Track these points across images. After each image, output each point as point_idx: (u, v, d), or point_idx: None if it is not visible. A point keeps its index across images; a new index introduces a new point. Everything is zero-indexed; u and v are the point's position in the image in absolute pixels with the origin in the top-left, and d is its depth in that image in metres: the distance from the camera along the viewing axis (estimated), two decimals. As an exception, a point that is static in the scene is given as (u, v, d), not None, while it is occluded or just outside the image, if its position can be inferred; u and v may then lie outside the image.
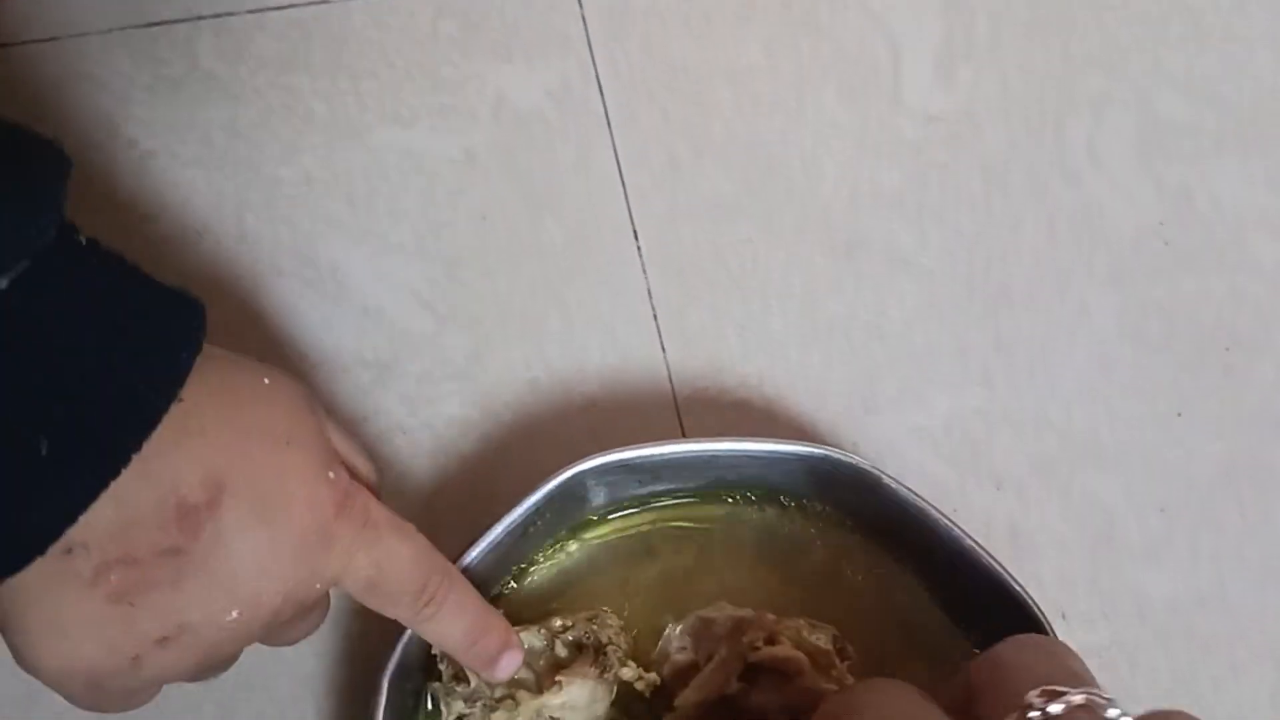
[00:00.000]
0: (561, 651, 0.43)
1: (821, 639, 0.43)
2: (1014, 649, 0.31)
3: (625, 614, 0.45)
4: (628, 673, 0.43)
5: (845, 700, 0.31)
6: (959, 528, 0.44)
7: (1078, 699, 0.28)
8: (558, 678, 0.42)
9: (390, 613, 0.39)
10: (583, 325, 0.51)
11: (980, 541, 0.44)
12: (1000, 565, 0.44)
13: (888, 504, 0.45)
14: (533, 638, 0.43)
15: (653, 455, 0.45)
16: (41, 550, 0.31)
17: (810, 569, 0.47)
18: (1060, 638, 0.43)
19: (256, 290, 0.49)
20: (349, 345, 0.49)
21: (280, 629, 0.37)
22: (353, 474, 0.39)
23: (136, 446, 0.31)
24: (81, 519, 0.31)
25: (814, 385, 0.51)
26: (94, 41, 0.50)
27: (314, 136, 0.51)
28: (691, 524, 0.47)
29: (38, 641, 0.32)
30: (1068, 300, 0.53)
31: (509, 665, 0.41)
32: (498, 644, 0.41)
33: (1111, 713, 0.28)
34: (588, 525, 0.46)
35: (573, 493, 0.44)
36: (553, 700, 0.41)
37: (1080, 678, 0.29)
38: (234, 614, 0.34)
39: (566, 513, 0.45)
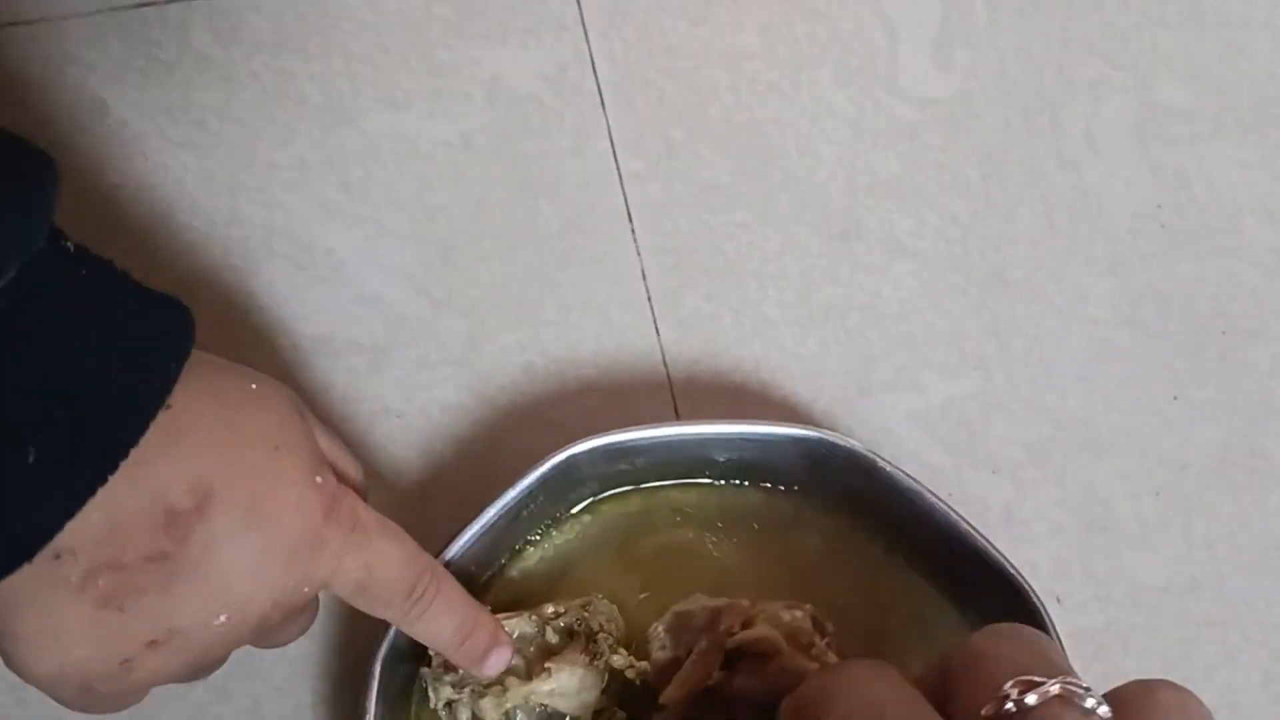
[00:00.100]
0: (552, 638, 0.43)
1: (799, 617, 0.43)
2: (991, 638, 0.31)
3: (618, 598, 0.45)
4: (618, 660, 0.43)
5: (822, 683, 0.31)
6: (954, 512, 0.44)
7: (1054, 689, 0.28)
8: (547, 664, 0.42)
9: (379, 613, 0.39)
10: (578, 309, 0.51)
11: (975, 525, 0.44)
12: (995, 549, 0.44)
13: (883, 488, 0.45)
14: (524, 624, 0.43)
15: (647, 438, 0.45)
16: (29, 556, 0.31)
17: (805, 552, 0.47)
18: (1054, 621, 0.43)
19: (250, 275, 0.49)
20: (343, 330, 0.49)
21: (269, 632, 0.38)
22: (340, 477, 0.39)
23: (124, 453, 0.31)
24: (69, 525, 0.31)
25: (809, 369, 0.51)
26: (84, 23, 0.50)
27: (308, 120, 0.51)
28: (686, 507, 0.47)
29: (27, 646, 0.32)
30: (1064, 285, 0.53)
31: (498, 663, 0.41)
32: (486, 641, 0.41)
33: (1089, 703, 0.28)
34: (582, 508, 0.46)
35: (566, 476, 0.44)
36: (541, 687, 0.41)
37: (1057, 667, 0.29)
38: (223, 618, 0.34)
39: (560, 496, 0.45)
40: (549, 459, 0.43)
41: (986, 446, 0.51)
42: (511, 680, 0.42)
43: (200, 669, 0.36)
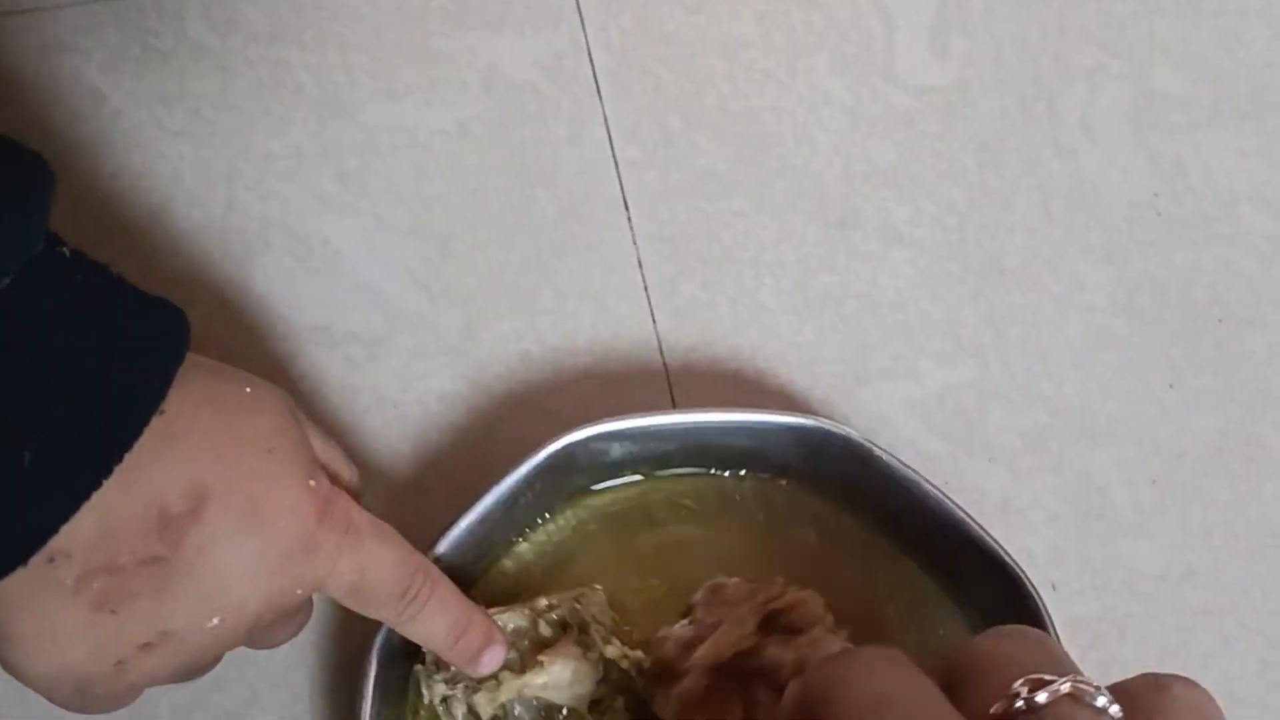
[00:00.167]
0: (545, 631, 0.43)
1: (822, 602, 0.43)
2: (995, 639, 0.31)
3: (614, 588, 0.45)
4: (612, 650, 0.43)
5: (833, 669, 0.30)
6: (950, 500, 0.44)
7: (1064, 687, 0.27)
8: (540, 657, 0.42)
9: (374, 615, 0.39)
10: (574, 298, 0.51)
11: (972, 513, 0.44)
12: (991, 537, 0.44)
13: (879, 476, 0.45)
14: (516, 617, 0.43)
15: (643, 426, 0.45)
16: (24, 560, 0.31)
17: (801, 540, 0.47)
18: (1050, 610, 0.43)
19: (246, 265, 0.49)
20: (340, 320, 0.49)
21: (263, 633, 0.38)
22: (334, 479, 0.39)
23: (118, 458, 0.31)
24: (63, 529, 0.31)
25: (806, 357, 0.51)
26: (80, 12, 0.50)
27: (304, 109, 0.51)
28: (682, 495, 0.47)
29: (23, 648, 0.32)
30: (1060, 273, 0.53)
31: (492, 662, 0.41)
32: (480, 641, 0.41)
33: (1100, 701, 0.27)
34: (578, 497, 0.46)
35: (563, 464, 0.44)
36: (535, 680, 0.41)
37: (1066, 666, 0.29)
38: (216, 621, 0.34)
39: (556, 484, 0.45)
40: (545, 447, 0.43)
41: (983, 435, 0.51)
42: (505, 674, 0.42)
43: (194, 670, 0.37)
